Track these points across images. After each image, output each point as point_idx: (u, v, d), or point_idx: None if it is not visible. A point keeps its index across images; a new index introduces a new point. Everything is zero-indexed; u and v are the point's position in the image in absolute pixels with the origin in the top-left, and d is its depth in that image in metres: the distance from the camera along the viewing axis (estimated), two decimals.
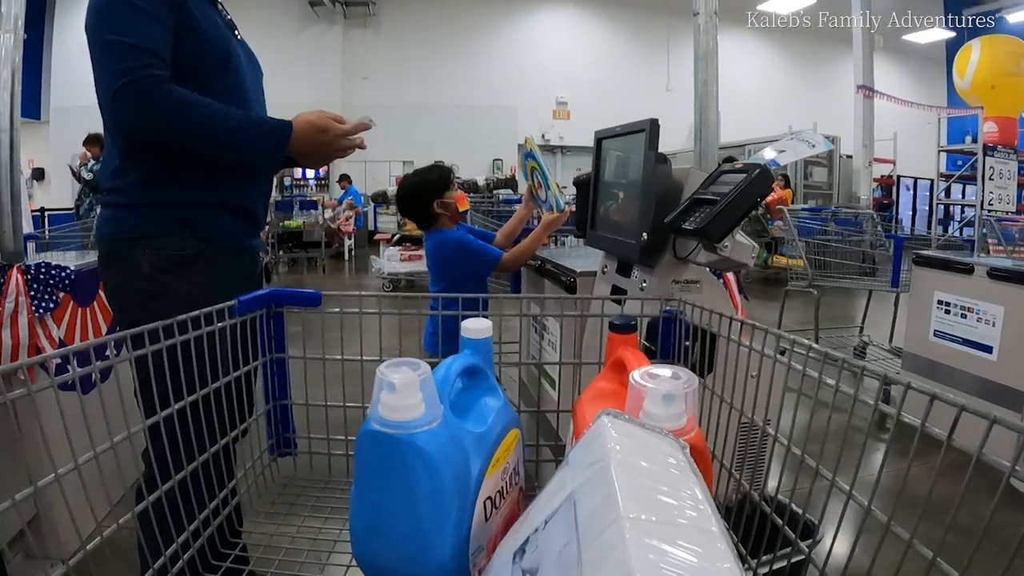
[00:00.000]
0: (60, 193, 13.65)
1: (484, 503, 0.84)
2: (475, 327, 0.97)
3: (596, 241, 2.19)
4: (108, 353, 0.90)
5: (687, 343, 1.25)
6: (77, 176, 9.42)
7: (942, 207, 14.38)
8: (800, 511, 0.94)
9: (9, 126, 2.37)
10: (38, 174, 14.86)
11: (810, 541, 0.93)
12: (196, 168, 1.66)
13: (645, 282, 1.84)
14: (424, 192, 2.98)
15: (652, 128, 1.75)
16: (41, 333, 2.33)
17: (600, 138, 2.13)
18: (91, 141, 8.96)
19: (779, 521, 0.89)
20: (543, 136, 17.41)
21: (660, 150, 1.76)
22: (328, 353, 1.33)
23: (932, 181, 14.14)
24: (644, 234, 1.72)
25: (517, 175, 3.10)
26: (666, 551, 0.45)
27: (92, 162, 9.05)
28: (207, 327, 1.10)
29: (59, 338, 2.37)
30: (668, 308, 1.29)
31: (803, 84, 18.35)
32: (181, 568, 0.97)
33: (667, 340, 1.29)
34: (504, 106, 17.14)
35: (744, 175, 1.54)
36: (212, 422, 1.12)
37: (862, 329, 5.56)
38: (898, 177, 16.43)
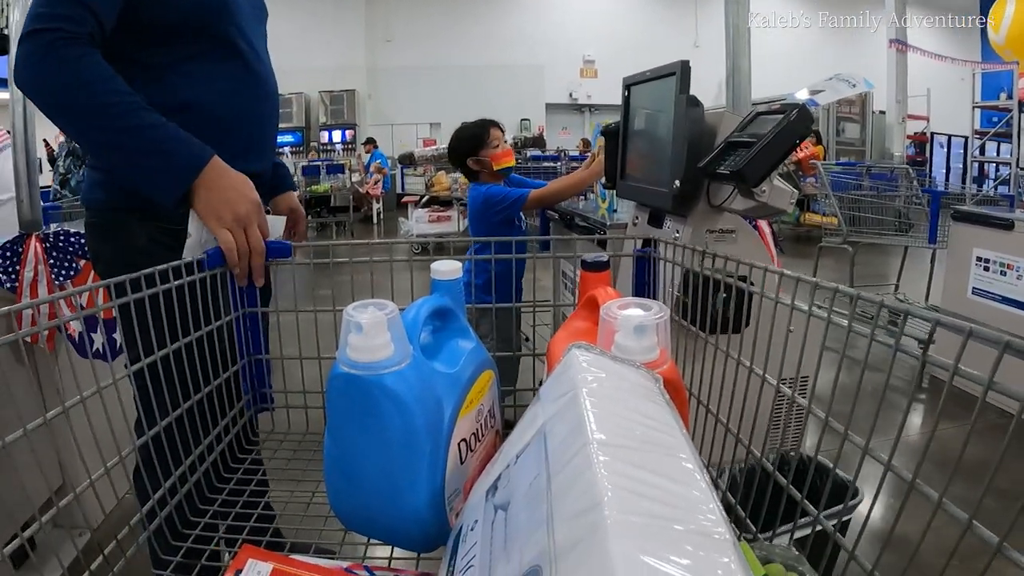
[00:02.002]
0: None
1: (459, 445, 0.83)
2: (444, 268, 0.95)
3: (626, 191, 2.12)
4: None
5: (723, 295, 1.17)
6: (51, 156, 9.01)
7: (976, 164, 14.08)
8: (838, 471, 0.89)
9: (23, 96, 2.33)
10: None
11: (839, 507, 0.89)
12: (196, 130, 1.37)
13: (678, 232, 1.77)
14: (458, 147, 3.11)
15: (683, 70, 1.67)
16: (62, 300, 2.30)
17: (629, 84, 2.05)
18: None
19: (797, 494, 0.82)
20: (570, 95, 17.38)
21: None
22: (302, 306, 1.30)
23: (966, 138, 13.85)
24: (676, 181, 1.64)
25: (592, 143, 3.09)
26: (638, 476, 0.44)
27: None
28: (175, 281, 1.08)
29: (81, 305, 2.35)
30: (641, 248, 1.29)
31: (834, 39, 17.93)
32: (158, 525, 0.97)
33: (641, 279, 1.30)
34: (531, 65, 16.96)
35: (782, 115, 1.46)
36: (185, 379, 1.09)
37: (897, 287, 5.43)
38: (931, 134, 16.09)
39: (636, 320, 0.70)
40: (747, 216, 1.79)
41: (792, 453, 1.16)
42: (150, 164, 1.29)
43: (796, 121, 1.43)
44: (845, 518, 1.20)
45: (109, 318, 2.48)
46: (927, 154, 16.17)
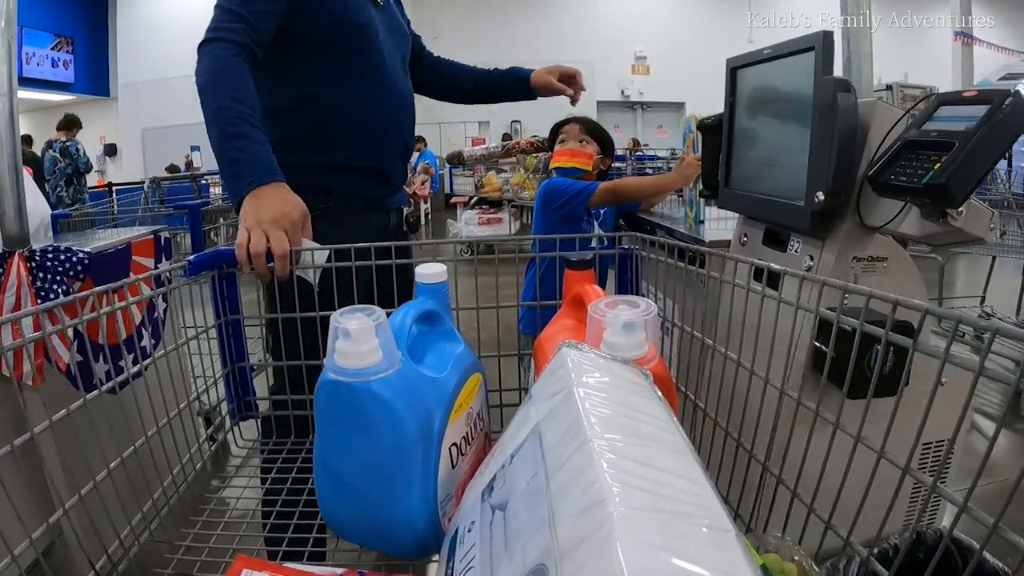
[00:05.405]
0: (132, 168, 13.78)
1: (449, 449, 0.84)
2: (429, 272, 0.96)
3: (734, 202, 1.71)
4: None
5: (878, 347, 0.78)
6: (38, 163, 9.16)
7: None
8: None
9: (8, 91, 1.97)
10: (110, 150, 15.41)
11: None
12: (333, 131, 1.74)
13: (812, 258, 1.37)
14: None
15: (825, 44, 1.28)
16: (51, 328, 1.93)
17: (734, 67, 1.64)
18: (61, 125, 9.30)
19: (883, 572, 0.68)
20: (622, 92, 17.39)
21: None
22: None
23: None
24: (819, 193, 1.24)
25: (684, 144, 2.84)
26: (637, 471, 0.44)
27: (59, 143, 9.23)
28: (159, 289, 1.18)
29: (74, 331, 1.98)
30: (624, 245, 1.28)
31: (894, 31, 17.38)
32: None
33: (624, 277, 1.29)
34: (581, 61, 16.48)
35: (987, 106, 1.04)
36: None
37: (983, 299, 4.96)
38: None
39: (625, 317, 0.70)
40: (902, 239, 1.39)
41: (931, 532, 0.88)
42: (226, 166, 1.50)
43: (1012, 114, 1.01)
44: None
45: (114, 344, 2.11)
46: None
